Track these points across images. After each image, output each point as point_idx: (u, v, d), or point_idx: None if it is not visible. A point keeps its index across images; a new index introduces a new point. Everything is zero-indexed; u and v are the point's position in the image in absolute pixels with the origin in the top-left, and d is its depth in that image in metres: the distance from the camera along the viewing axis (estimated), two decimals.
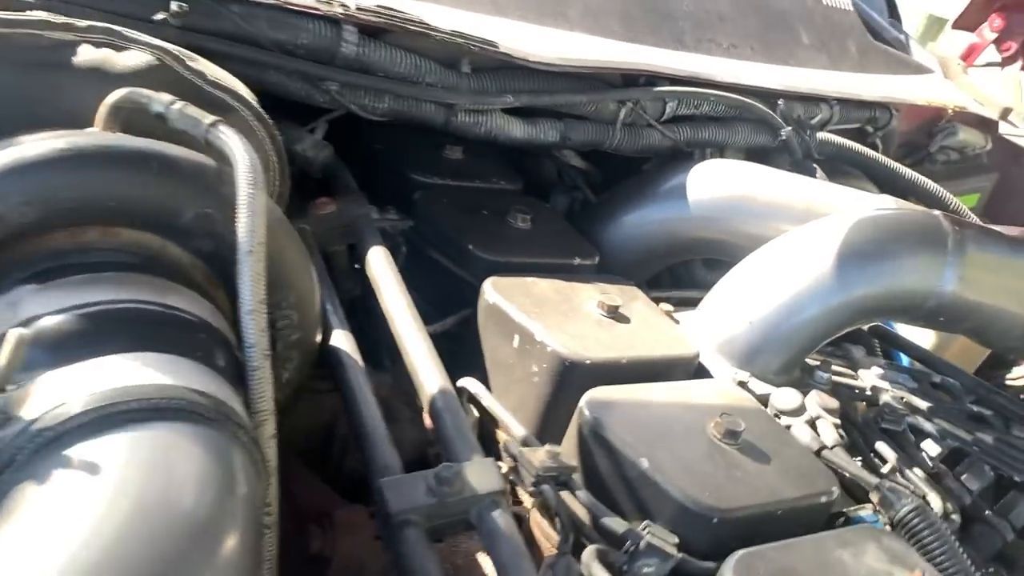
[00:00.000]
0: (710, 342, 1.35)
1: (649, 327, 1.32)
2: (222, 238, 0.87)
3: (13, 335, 0.66)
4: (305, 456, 1.19)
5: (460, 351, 1.31)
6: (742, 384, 1.29)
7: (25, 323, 0.74)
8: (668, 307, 1.43)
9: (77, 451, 0.66)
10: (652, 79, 1.61)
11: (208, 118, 0.89)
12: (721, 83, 1.68)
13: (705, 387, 1.24)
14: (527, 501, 1.05)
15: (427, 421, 1.04)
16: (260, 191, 0.85)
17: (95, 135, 0.83)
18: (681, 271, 1.79)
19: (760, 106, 1.72)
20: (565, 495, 1.00)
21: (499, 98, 1.43)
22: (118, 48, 0.98)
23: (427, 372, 1.06)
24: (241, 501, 0.72)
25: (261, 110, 1.08)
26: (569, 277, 1.38)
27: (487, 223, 1.46)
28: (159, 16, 1.09)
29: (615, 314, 1.30)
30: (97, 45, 0.97)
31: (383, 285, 1.19)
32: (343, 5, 1.23)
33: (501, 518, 0.89)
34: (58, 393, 0.69)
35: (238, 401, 0.81)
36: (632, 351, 1.23)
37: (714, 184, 1.58)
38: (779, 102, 1.77)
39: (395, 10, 1.28)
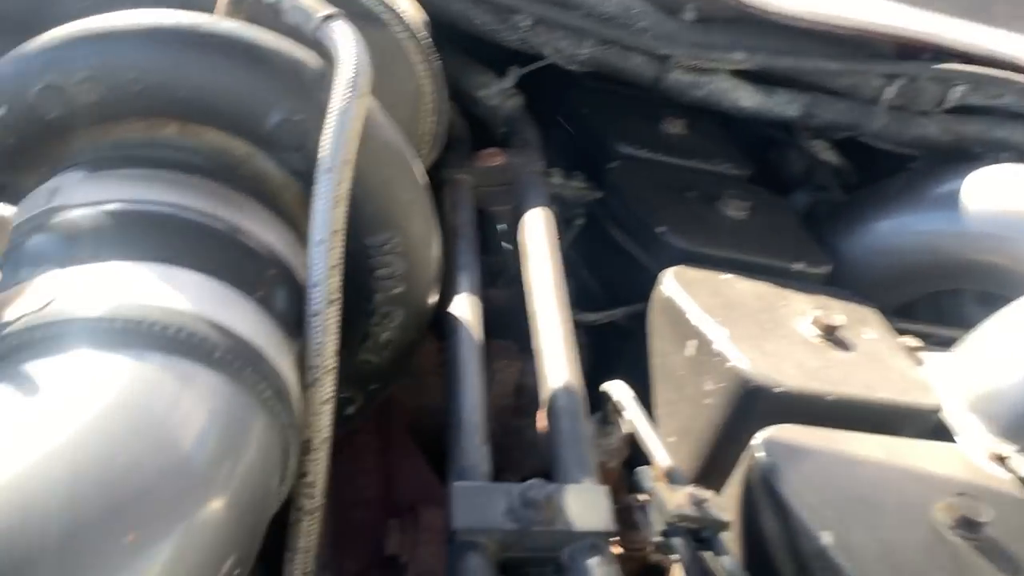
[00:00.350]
0: (962, 395, 1.00)
1: (876, 360, 1.00)
2: (313, 155, 0.71)
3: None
4: (420, 442, 1.02)
5: (626, 351, 1.08)
6: (1000, 459, 0.94)
7: (50, 212, 0.63)
8: (913, 342, 1.10)
9: (34, 367, 0.52)
10: (938, 53, 1.26)
11: (322, 11, 0.74)
12: None
13: (941, 452, 0.91)
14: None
15: (540, 422, 0.82)
16: (361, 98, 0.68)
17: (178, 12, 0.70)
18: (946, 303, 1.40)
19: None
20: (706, 556, 0.74)
21: (727, 54, 1.17)
22: None
23: (555, 359, 0.84)
24: (241, 470, 0.55)
25: (418, 29, 0.92)
26: (782, 283, 1.09)
27: (691, 206, 1.20)
28: None
29: (832, 336, 1.00)
30: None
31: (531, 251, 0.98)
32: None
33: (601, 568, 0.66)
34: (46, 295, 0.56)
35: (288, 353, 0.65)
36: (844, 386, 0.93)
37: (1007, 194, 1.21)
38: None
39: None
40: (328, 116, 0.67)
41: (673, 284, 1.02)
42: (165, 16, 0.69)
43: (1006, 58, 1.27)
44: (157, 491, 0.50)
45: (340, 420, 0.86)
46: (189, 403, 0.54)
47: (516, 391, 1.13)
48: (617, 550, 0.87)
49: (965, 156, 1.30)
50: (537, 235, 0.99)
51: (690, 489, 0.75)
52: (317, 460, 0.67)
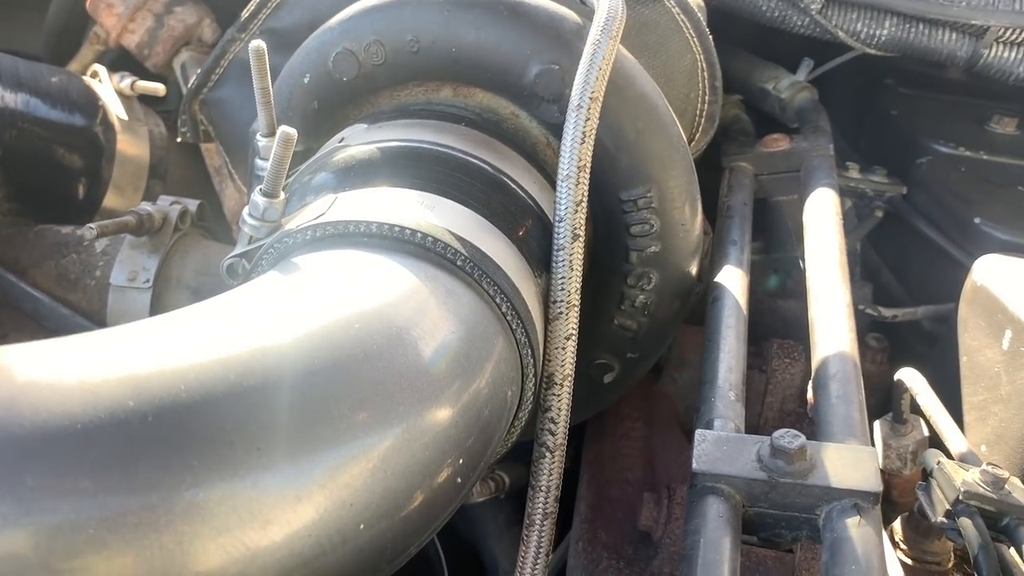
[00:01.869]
0: None
1: None
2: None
3: (280, 134, 0.61)
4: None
5: (928, 356, 0.95)
6: None
7: (332, 152, 0.71)
8: None
9: (308, 259, 0.58)
10: None
11: None
12: None
13: None
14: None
15: (809, 394, 0.74)
16: (612, 40, 0.69)
17: None
18: None
19: None
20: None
21: None
22: None
23: (829, 330, 0.76)
24: (478, 371, 0.57)
25: (690, 5, 0.91)
26: None
27: (1012, 198, 1.05)
28: None
29: None
30: None
31: (815, 234, 0.91)
32: None
33: (861, 532, 0.57)
34: (321, 209, 0.62)
35: (533, 287, 0.66)
36: None
37: None
38: None
39: None
40: (583, 55, 0.69)
41: (988, 271, 0.89)
42: (423, 33, 0.76)
43: None
44: (396, 378, 0.52)
45: (599, 389, 0.86)
46: (434, 303, 0.56)
47: (799, 397, 1.04)
48: (907, 561, 0.75)
49: None
50: (823, 218, 0.91)
51: (987, 466, 0.63)
52: (560, 396, 0.67)
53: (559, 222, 0.67)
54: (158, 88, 1.06)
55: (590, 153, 0.67)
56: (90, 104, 1.02)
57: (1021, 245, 0.95)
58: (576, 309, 0.67)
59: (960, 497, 0.61)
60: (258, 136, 0.72)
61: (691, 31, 0.92)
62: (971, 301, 0.90)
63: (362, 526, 0.48)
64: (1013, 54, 1.06)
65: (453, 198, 0.65)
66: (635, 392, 0.97)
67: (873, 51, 1.09)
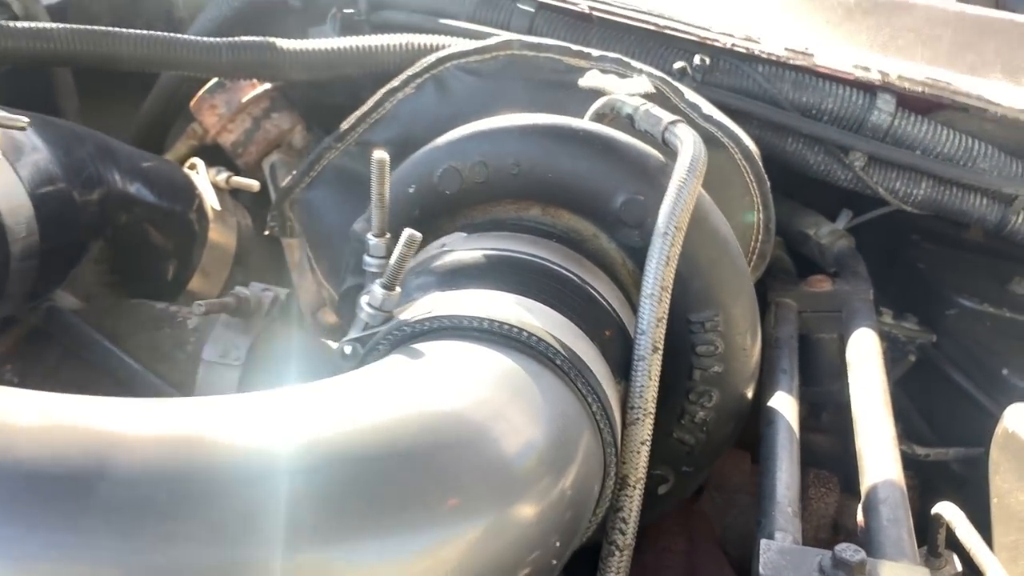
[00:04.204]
0: None
1: None
2: (651, 233, 0.81)
3: (406, 236, 0.68)
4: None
5: (951, 496, 1.00)
6: None
7: (437, 256, 0.78)
8: None
9: (424, 347, 0.64)
10: None
11: (669, 117, 0.86)
12: None
13: None
14: None
15: (859, 517, 0.79)
16: (695, 179, 0.78)
17: (546, 115, 0.86)
18: None
19: None
20: None
21: None
22: (622, 75, 1.02)
23: (880, 465, 0.82)
24: (567, 468, 0.62)
25: (752, 152, 1.01)
26: None
27: None
28: (678, 64, 1.11)
29: None
30: (604, 72, 1.03)
31: (858, 372, 0.97)
32: (882, 72, 1.11)
33: None
34: (431, 305, 0.69)
35: (613, 390, 0.72)
36: None
37: None
38: None
39: (949, 84, 1.11)
40: (668, 190, 0.77)
41: (1019, 419, 0.95)
42: (539, 117, 0.85)
43: None
44: (492, 467, 0.56)
45: (652, 500, 0.90)
46: (536, 398, 0.62)
47: (832, 527, 1.08)
48: None
49: None
50: (866, 357, 0.98)
51: None
52: (632, 497, 0.72)
53: (640, 335, 0.74)
54: (253, 184, 1.15)
55: (672, 275, 0.75)
56: (189, 193, 1.10)
57: None
58: (652, 417, 0.73)
59: None
60: (369, 235, 0.79)
61: (751, 176, 1.01)
62: (1003, 446, 0.95)
63: None
64: None
65: (548, 303, 0.72)
66: (676, 508, 1.01)
67: (909, 208, 1.19)
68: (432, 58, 1.05)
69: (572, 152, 0.82)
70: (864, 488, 0.80)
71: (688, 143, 0.80)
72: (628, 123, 0.90)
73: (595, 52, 1.03)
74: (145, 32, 1.05)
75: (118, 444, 0.44)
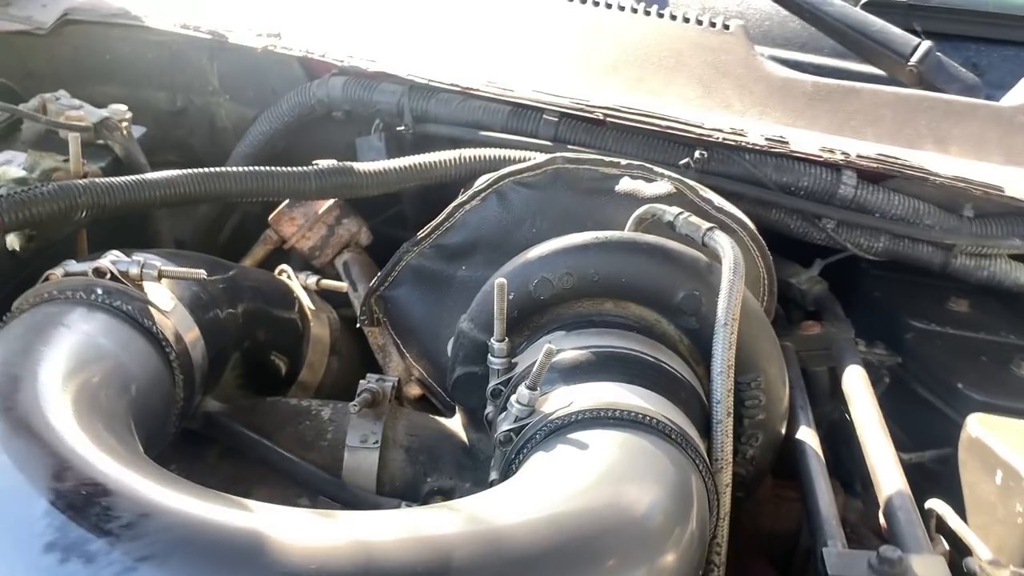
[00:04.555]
0: None
1: None
2: (705, 318, 1.05)
3: (545, 349, 0.91)
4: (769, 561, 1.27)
5: (932, 489, 1.27)
6: None
7: (554, 353, 1.01)
8: None
9: (577, 435, 0.87)
10: None
11: (706, 225, 1.11)
12: None
13: None
14: None
15: (882, 521, 1.05)
16: (740, 279, 1.03)
17: (619, 232, 1.10)
18: None
19: None
20: None
21: (1004, 240, 1.41)
22: (648, 180, 1.27)
23: (890, 479, 1.08)
24: (692, 517, 0.85)
25: (756, 233, 1.27)
26: None
27: (984, 368, 1.41)
28: (683, 161, 1.37)
29: None
30: (634, 178, 1.27)
31: (858, 403, 1.24)
32: (844, 153, 1.38)
33: None
34: (567, 399, 0.92)
35: (702, 446, 0.96)
36: None
37: None
38: None
39: (896, 159, 1.39)
40: (722, 289, 1.02)
41: (978, 426, 1.23)
42: (612, 234, 1.09)
43: None
44: (632, 530, 0.80)
45: None
46: (661, 465, 0.86)
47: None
48: None
49: None
50: (857, 388, 1.25)
51: (1012, 568, 0.95)
52: (723, 527, 0.96)
53: (717, 403, 0.98)
54: (342, 286, 1.35)
55: (734, 356, 0.99)
56: (291, 298, 1.30)
57: (996, 406, 1.30)
58: (731, 465, 0.97)
59: None
60: (492, 341, 1.02)
61: (757, 253, 1.27)
62: (968, 448, 1.24)
63: None
64: (972, 262, 1.45)
65: (647, 387, 0.95)
66: None
67: (871, 257, 1.47)
68: (493, 176, 1.27)
69: (640, 261, 1.06)
70: (881, 497, 1.06)
71: (727, 248, 1.05)
72: (669, 227, 1.15)
73: (623, 160, 1.28)
74: (247, 169, 1.24)
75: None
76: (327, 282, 1.35)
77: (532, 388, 0.92)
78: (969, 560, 1.00)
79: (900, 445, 1.28)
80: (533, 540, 0.71)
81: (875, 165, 1.38)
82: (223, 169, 1.22)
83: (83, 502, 0.65)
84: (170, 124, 1.63)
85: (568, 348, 1.01)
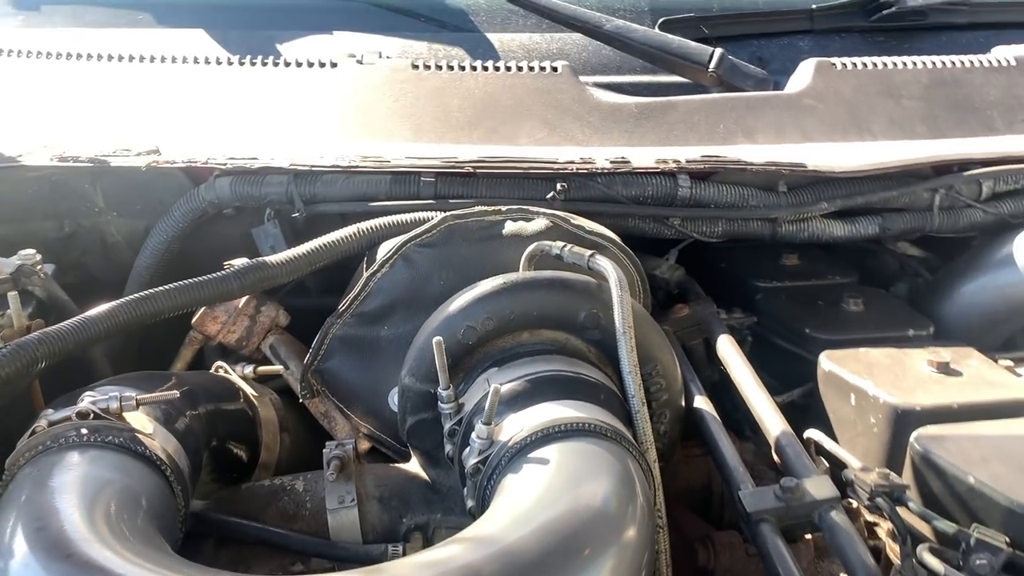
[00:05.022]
0: None
1: (983, 378, 1.46)
2: (606, 329, 1.27)
3: (492, 389, 1.10)
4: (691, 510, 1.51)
5: (804, 419, 1.56)
6: None
7: (500, 391, 1.20)
8: (1008, 362, 1.55)
9: (534, 454, 1.06)
10: (964, 165, 1.78)
11: (588, 253, 1.33)
12: None
13: None
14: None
15: (775, 458, 1.31)
16: (627, 294, 1.25)
17: (522, 274, 1.30)
18: None
19: None
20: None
21: (815, 205, 1.72)
22: (528, 219, 1.48)
23: (773, 422, 1.34)
24: (638, 495, 1.06)
25: (622, 244, 1.51)
26: (902, 346, 1.57)
27: (823, 310, 1.72)
28: (549, 195, 1.59)
29: (946, 369, 1.46)
30: (515, 220, 1.48)
31: (733, 364, 1.51)
32: (676, 161, 1.64)
33: (840, 518, 1.13)
34: (518, 425, 1.11)
35: (629, 435, 1.18)
36: (964, 397, 1.39)
37: None
38: None
39: (716, 156, 1.67)
40: (615, 305, 1.23)
41: (828, 362, 1.52)
42: (517, 277, 1.28)
43: (1014, 155, 1.79)
44: (602, 519, 0.99)
45: None
46: (606, 461, 1.06)
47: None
48: None
49: (1007, 227, 1.79)
50: (731, 352, 1.52)
51: (878, 470, 1.22)
52: (660, 495, 1.18)
53: (632, 397, 1.20)
54: (276, 370, 1.48)
55: (636, 358, 1.22)
56: (235, 391, 1.42)
57: (833, 341, 1.59)
58: (655, 446, 1.20)
59: (874, 489, 1.20)
60: (440, 390, 1.19)
61: (627, 260, 1.50)
62: (824, 381, 1.53)
63: None
64: (794, 227, 1.75)
65: (579, 398, 1.16)
66: None
67: (714, 240, 1.74)
68: (396, 243, 1.44)
69: (545, 294, 1.26)
70: (770, 437, 1.32)
71: (610, 270, 1.27)
72: (556, 259, 1.36)
73: (503, 208, 1.48)
74: (175, 286, 1.35)
75: None
76: (263, 368, 1.47)
77: (487, 423, 1.11)
78: (846, 472, 1.26)
79: (772, 390, 1.55)
80: (538, 547, 0.89)
81: (701, 166, 1.65)
82: (154, 291, 1.33)
83: None
84: (61, 249, 1.68)
85: (505, 381, 1.20)
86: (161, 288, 1.35)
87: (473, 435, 1.12)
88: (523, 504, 0.98)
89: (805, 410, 1.59)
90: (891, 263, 2.08)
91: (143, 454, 1.07)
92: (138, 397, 1.12)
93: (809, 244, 1.83)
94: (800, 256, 1.94)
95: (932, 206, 1.78)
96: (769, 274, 1.87)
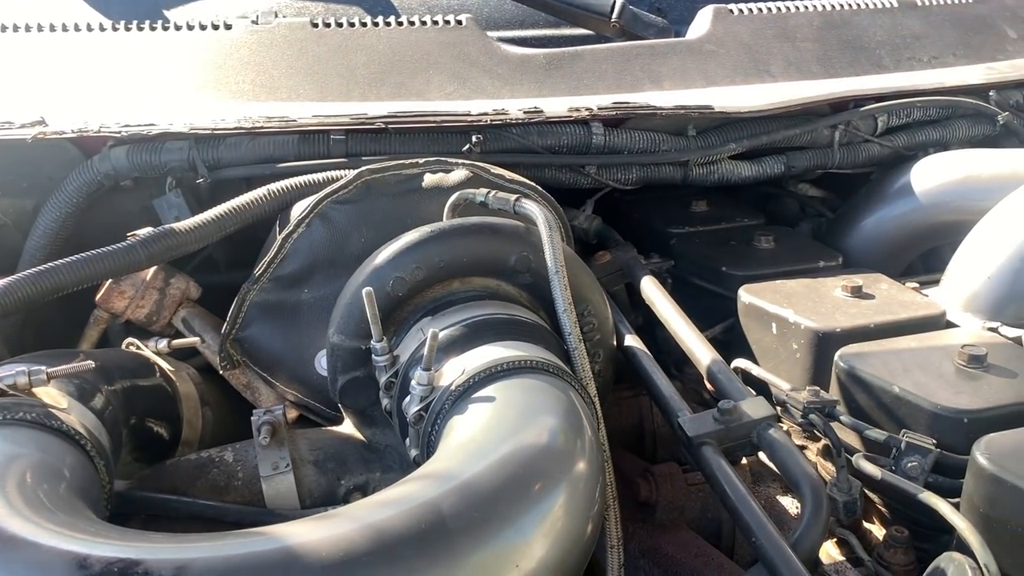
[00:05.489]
0: (955, 303, 1.51)
1: (893, 300, 1.52)
2: (537, 272, 1.26)
3: (431, 334, 1.07)
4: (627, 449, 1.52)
5: (726, 354, 1.59)
6: (992, 330, 1.44)
7: (438, 336, 1.17)
8: (914, 284, 1.62)
9: (479, 394, 1.04)
10: (859, 102, 1.85)
11: (512, 197, 1.31)
12: (926, 89, 1.87)
13: (952, 333, 1.42)
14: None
15: (708, 386, 1.33)
16: (556, 233, 1.24)
17: (450, 221, 1.28)
18: (931, 260, 1.94)
19: (971, 100, 1.88)
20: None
21: (724, 147, 1.75)
22: (447, 171, 1.45)
23: (703, 353, 1.37)
24: (586, 426, 1.05)
25: (545, 193, 1.50)
26: (814, 276, 1.62)
27: (736, 249, 1.76)
28: (465, 148, 1.56)
29: (859, 293, 1.52)
30: (433, 172, 1.45)
31: (658, 303, 1.52)
32: (588, 109, 1.64)
33: (778, 434, 1.16)
34: (459, 368, 1.09)
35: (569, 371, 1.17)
36: (879, 317, 1.45)
37: (938, 173, 1.76)
38: (991, 93, 1.91)
39: (627, 103, 1.67)
40: (544, 245, 1.22)
41: (747, 295, 1.55)
42: (445, 224, 1.25)
43: (903, 90, 1.87)
44: (557, 449, 0.98)
45: None
46: (552, 395, 1.05)
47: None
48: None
49: (902, 159, 1.87)
50: (655, 292, 1.53)
51: (808, 388, 1.26)
52: (603, 431, 1.18)
53: (569, 335, 1.19)
54: (192, 341, 1.41)
55: (570, 296, 1.21)
56: (151, 366, 1.35)
57: (753, 276, 1.63)
58: (593, 381, 1.19)
59: (807, 406, 1.23)
60: (373, 343, 1.16)
61: (549, 208, 1.50)
62: (746, 314, 1.56)
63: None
64: (704, 170, 1.78)
65: (518, 339, 1.14)
66: None
67: (629, 187, 1.75)
68: (311, 201, 1.39)
69: (474, 240, 1.24)
70: (702, 368, 1.34)
71: (537, 212, 1.26)
72: (482, 207, 1.34)
73: (421, 160, 1.45)
74: (76, 257, 1.27)
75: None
76: (178, 342, 1.39)
77: (427, 369, 1.08)
78: (776, 393, 1.30)
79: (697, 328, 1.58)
80: (496, 480, 0.88)
81: (613, 112, 1.66)
82: (55, 264, 1.24)
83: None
84: None
85: (440, 329, 1.17)
86: (62, 261, 1.26)
87: (413, 382, 1.09)
88: (476, 440, 0.96)
89: (726, 345, 1.63)
90: (792, 205, 2.16)
91: (59, 428, 1.00)
92: (48, 371, 1.04)
93: (717, 187, 1.87)
94: (709, 202, 1.98)
95: (832, 142, 1.85)
96: (681, 220, 1.90)
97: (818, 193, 2.09)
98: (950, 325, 1.48)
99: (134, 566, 0.74)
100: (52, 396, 1.05)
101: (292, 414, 1.44)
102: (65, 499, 0.90)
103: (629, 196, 2.05)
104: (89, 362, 1.07)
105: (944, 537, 1.18)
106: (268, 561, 0.75)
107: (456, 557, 0.79)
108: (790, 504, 1.35)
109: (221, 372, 1.41)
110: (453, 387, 1.06)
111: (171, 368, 1.38)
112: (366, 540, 0.78)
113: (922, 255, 1.94)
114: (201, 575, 0.74)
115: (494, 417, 1.00)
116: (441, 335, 1.15)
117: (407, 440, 1.13)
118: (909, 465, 1.14)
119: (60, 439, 1.00)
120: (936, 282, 1.64)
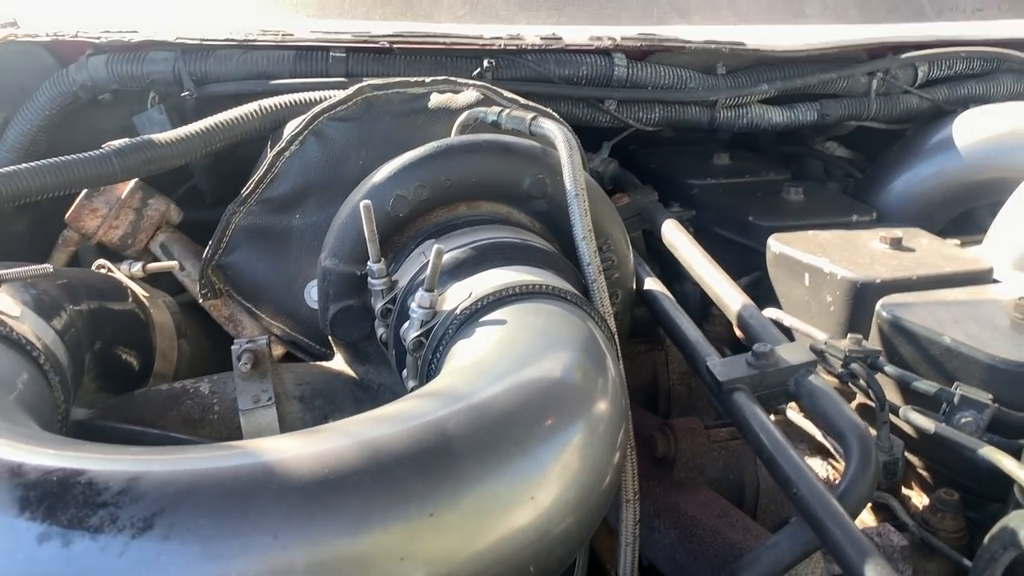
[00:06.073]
0: (1003, 262, 1.39)
1: (936, 253, 1.40)
2: (552, 199, 1.13)
3: (435, 250, 0.94)
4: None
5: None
6: None
7: (443, 253, 1.04)
8: (955, 241, 1.50)
9: (489, 317, 0.92)
10: (899, 50, 1.72)
11: (530, 115, 1.18)
12: (972, 39, 1.74)
13: (1002, 287, 1.29)
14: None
15: (739, 332, 1.21)
16: (576, 152, 1.11)
17: (459, 137, 1.15)
18: (967, 222, 1.81)
19: (1018, 54, 1.76)
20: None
21: (755, 88, 1.62)
22: (456, 91, 1.32)
23: (732, 297, 1.24)
24: (608, 359, 0.93)
25: (563, 120, 1.37)
26: (847, 229, 1.50)
27: (764, 200, 1.63)
28: (475, 72, 1.43)
29: (899, 245, 1.40)
30: (441, 92, 1.32)
31: (682, 247, 1.40)
32: (611, 39, 1.51)
33: (819, 381, 1.03)
34: (465, 291, 0.96)
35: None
36: (921, 270, 1.32)
37: (980, 128, 1.64)
38: None
39: (654, 35, 1.54)
40: (564, 166, 1.09)
41: (779, 244, 1.43)
42: (454, 140, 1.13)
43: (945, 39, 1.74)
44: (572, 382, 0.86)
45: None
46: (572, 323, 0.93)
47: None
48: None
49: (941, 114, 1.74)
50: (678, 234, 1.41)
51: (850, 336, 1.13)
52: (621, 368, 1.06)
53: (588, 265, 1.06)
54: (171, 265, 1.28)
55: (590, 222, 1.08)
56: (123, 290, 1.22)
57: (778, 228, 1.51)
58: (611, 314, 1.07)
59: (848, 354, 1.11)
60: (370, 264, 1.03)
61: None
62: (775, 265, 1.44)
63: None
64: (732, 113, 1.65)
65: (532, 264, 1.02)
66: None
67: (650, 128, 1.63)
68: (306, 117, 1.26)
69: (485, 158, 1.11)
70: (731, 314, 1.22)
71: (556, 130, 1.13)
72: (493, 127, 1.21)
73: (427, 79, 1.32)
74: (42, 162, 1.14)
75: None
76: (153, 265, 1.27)
77: (430, 290, 0.95)
78: (814, 343, 1.17)
79: None
80: (508, 404, 0.75)
81: (638, 44, 1.53)
82: (16, 168, 1.11)
83: (59, 487, 0.61)
84: None
85: (447, 250, 1.05)
86: (26, 164, 1.13)
87: (413, 306, 0.96)
88: (487, 361, 0.83)
89: (753, 299, 1.50)
90: (816, 167, 2.03)
91: (8, 336, 0.88)
92: (0, 274, 0.91)
93: (746, 133, 1.74)
94: (731, 156, 1.86)
95: (870, 91, 1.72)
96: (703, 172, 1.78)
97: (846, 153, 1.96)
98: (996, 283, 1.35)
99: (75, 476, 0.62)
100: (4, 302, 0.93)
101: (278, 350, 1.32)
102: (8, 408, 0.78)
103: (645, 149, 1.92)
104: (47, 266, 0.94)
105: (994, 506, 1.06)
106: (238, 476, 0.63)
107: (461, 482, 0.67)
108: (819, 467, 1.23)
109: (201, 302, 1.28)
110: (459, 311, 0.94)
111: (145, 294, 1.26)
112: (358, 458, 0.66)
113: (955, 219, 1.82)
114: (155, 490, 0.61)
115: (507, 340, 0.87)
116: (446, 256, 1.02)
117: (404, 372, 1.01)
118: (963, 421, 1.02)
119: (8, 347, 0.88)
120: (976, 243, 1.52)
